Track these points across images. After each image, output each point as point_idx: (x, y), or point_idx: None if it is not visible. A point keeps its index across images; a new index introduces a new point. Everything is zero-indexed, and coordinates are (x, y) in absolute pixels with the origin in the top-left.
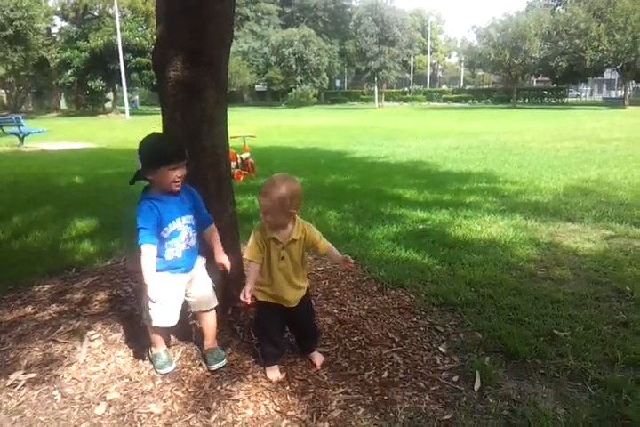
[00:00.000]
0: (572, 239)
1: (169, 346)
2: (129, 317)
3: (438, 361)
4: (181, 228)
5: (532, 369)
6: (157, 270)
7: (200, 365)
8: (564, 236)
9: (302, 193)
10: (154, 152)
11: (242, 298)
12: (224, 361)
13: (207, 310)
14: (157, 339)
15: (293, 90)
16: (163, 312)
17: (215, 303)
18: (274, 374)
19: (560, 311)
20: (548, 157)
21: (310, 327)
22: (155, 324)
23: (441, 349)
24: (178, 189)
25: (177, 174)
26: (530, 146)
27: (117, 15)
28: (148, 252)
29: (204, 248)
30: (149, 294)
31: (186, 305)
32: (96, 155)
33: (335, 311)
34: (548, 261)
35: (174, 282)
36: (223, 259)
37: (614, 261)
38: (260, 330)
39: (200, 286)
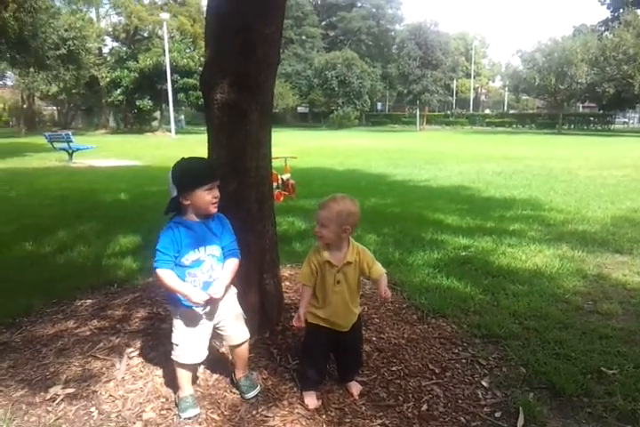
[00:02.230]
0: (620, 272)
1: (195, 383)
2: (168, 335)
3: (480, 395)
4: (204, 257)
5: (579, 408)
6: (179, 308)
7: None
8: (612, 268)
9: (359, 216)
10: (188, 175)
11: (294, 323)
12: (258, 388)
13: (240, 344)
14: (184, 382)
15: (335, 112)
16: (188, 350)
17: (247, 336)
18: (311, 400)
19: (608, 347)
20: (595, 186)
21: (357, 355)
22: (181, 360)
23: (483, 383)
24: (215, 210)
25: (213, 195)
26: (576, 173)
27: (166, 37)
28: (165, 275)
29: (236, 277)
30: (174, 326)
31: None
32: (142, 172)
33: (374, 339)
34: (596, 294)
35: (198, 317)
36: (218, 289)
37: None
38: (306, 353)
39: (231, 320)
